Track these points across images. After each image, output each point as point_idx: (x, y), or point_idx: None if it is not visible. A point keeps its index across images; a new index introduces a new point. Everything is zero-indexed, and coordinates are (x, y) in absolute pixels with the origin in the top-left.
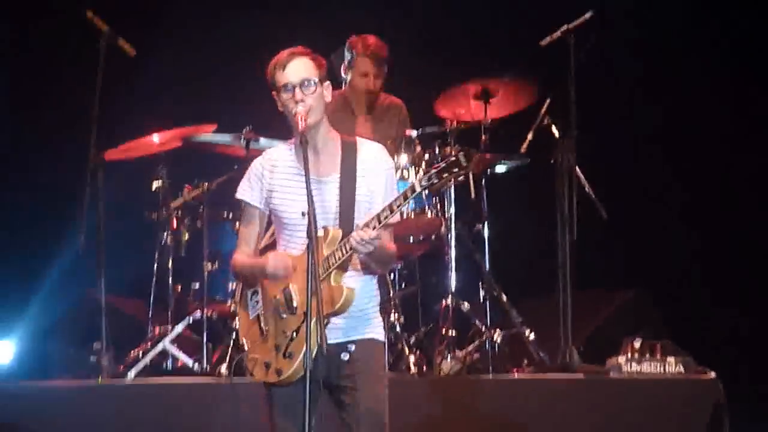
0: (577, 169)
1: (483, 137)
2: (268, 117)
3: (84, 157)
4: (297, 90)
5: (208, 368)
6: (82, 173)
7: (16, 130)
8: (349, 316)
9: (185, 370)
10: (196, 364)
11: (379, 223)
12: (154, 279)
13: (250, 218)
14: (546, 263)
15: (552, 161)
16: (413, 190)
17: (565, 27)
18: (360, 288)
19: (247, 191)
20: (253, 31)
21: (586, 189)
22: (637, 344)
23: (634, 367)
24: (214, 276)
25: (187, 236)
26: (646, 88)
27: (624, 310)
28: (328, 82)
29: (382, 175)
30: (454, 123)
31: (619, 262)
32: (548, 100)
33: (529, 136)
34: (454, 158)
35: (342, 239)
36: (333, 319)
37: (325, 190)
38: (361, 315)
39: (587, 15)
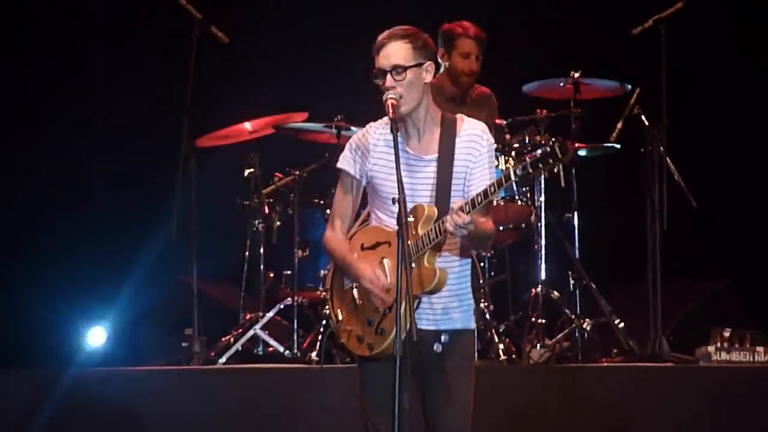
0: (667, 158)
1: (573, 125)
2: (360, 105)
3: (177, 145)
4: (388, 76)
5: (298, 354)
6: (174, 160)
7: (109, 117)
8: (444, 299)
9: (276, 356)
10: (287, 351)
11: (473, 207)
12: (245, 266)
13: (347, 189)
14: (636, 252)
15: (642, 150)
16: (507, 178)
17: (656, 16)
18: (456, 272)
19: (347, 161)
20: (346, 18)
21: (676, 178)
22: (726, 334)
23: (723, 356)
24: (305, 263)
25: (278, 223)
26: (737, 76)
27: (713, 300)
28: (429, 63)
29: (483, 154)
30: (544, 112)
31: (708, 252)
32: (638, 89)
33: (619, 125)
34: (549, 149)
35: (438, 219)
36: (428, 305)
37: (425, 169)
38: (456, 301)
39: (679, 4)
